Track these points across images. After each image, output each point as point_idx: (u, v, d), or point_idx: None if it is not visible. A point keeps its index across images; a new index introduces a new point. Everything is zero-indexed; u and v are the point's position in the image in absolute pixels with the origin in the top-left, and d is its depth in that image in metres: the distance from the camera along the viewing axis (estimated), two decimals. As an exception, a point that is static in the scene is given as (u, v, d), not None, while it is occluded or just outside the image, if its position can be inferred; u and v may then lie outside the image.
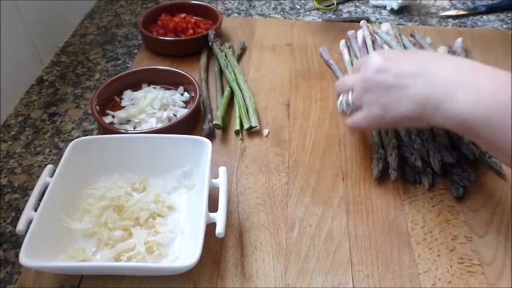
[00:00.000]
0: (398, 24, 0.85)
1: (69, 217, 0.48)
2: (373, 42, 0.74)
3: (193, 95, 0.67)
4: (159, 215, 0.50)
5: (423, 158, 0.55)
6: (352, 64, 0.73)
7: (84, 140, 0.53)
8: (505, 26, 0.88)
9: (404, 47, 0.74)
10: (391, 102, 0.48)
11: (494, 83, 0.42)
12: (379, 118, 0.50)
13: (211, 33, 0.76)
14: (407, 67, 0.48)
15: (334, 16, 0.91)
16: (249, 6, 0.96)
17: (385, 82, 0.48)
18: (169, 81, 0.69)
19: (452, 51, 0.76)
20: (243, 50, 0.79)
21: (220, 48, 0.75)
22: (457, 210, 0.52)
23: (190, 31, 0.78)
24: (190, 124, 0.63)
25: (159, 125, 0.61)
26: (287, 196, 0.54)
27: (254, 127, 0.62)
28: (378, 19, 0.90)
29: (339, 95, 0.56)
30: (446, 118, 0.44)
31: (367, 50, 0.74)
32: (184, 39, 0.77)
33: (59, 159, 0.51)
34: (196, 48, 0.77)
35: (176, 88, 0.69)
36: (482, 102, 0.41)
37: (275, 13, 0.93)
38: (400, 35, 0.77)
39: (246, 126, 0.62)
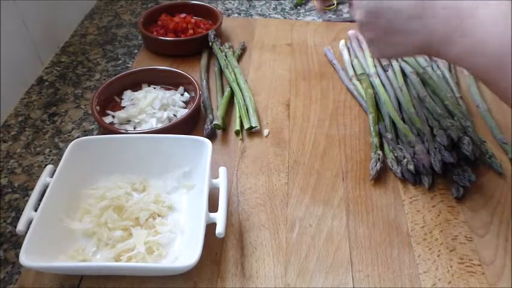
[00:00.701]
0: (398, 24, 0.85)
1: (69, 217, 0.48)
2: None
3: (193, 95, 0.67)
4: (159, 215, 0.50)
5: (419, 162, 0.55)
6: (352, 65, 0.73)
7: (84, 140, 0.53)
8: (505, 26, 0.88)
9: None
10: (389, 45, 0.48)
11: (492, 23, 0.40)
12: (385, 55, 0.52)
13: (211, 33, 0.76)
14: (398, 8, 0.45)
15: (334, 16, 0.91)
16: (249, 6, 0.96)
17: (379, 27, 0.46)
18: (170, 82, 0.69)
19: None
20: (243, 50, 0.79)
21: (220, 49, 0.75)
22: (457, 210, 0.52)
23: (191, 31, 0.78)
24: (190, 124, 0.63)
25: (159, 125, 0.61)
26: (287, 196, 0.54)
27: (254, 127, 0.62)
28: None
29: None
30: (448, 59, 0.46)
31: (363, 53, 0.74)
32: (184, 39, 0.77)
33: (59, 159, 0.51)
34: (196, 48, 0.77)
35: (176, 88, 0.69)
36: (478, 48, 0.41)
37: (275, 13, 0.93)
38: (400, 35, 0.77)
39: (246, 126, 0.62)
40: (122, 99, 0.67)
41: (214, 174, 0.51)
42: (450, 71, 0.71)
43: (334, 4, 0.92)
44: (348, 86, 0.70)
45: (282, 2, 0.96)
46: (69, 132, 0.65)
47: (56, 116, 0.68)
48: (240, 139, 0.62)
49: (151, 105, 0.64)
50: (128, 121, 0.64)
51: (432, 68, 0.70)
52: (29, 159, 0.61)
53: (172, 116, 0.64)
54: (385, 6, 0.45)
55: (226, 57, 0.74)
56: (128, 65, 0.78)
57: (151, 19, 0.82)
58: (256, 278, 0.46)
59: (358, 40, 0.77)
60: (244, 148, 0.61)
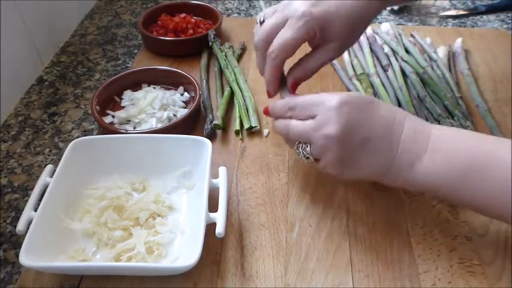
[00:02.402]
0: (398, 24, 0.85)
1: (69, 217, 0.48)
2: (371, 47, 0.75)
3: (193, 95, 0.67)
4: (159, 215, 0.50)
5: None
6: (352, 65, 0.73)
7: (84, 140, 0.53)
8: (505, 26, 0.88)
9: (405, 47, 0.74)
10: (353, 166, 0.45)
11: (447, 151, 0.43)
12: (337, 174, 0.47)
13: (211, 33, 0.76)
14: (372, 126, 0.44)
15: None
16: (249, 6, 0.96)
17: (350, 145, 0.44)
18: (169, 81, 0.69)
19: (452, 51, 0.76)
20: (243, 50, 0.79)
21: (220, 48, 0.75)
22: (457, 210, 0.52)
23: (190, 31, 0.78)
24: (190, 124, 0.63)
25: (159, 125, 0.61)
26: (287, 196, 0.54)
27: (254, 127, 0.62)
28: (377, 19, 0.90)
29: (292, 142, 0.49)
30: (405, 184, 0.46)
31: (363, 53, 0.74)
32: (184, 39, 0.77)
33: (59, 159, 0.51)
34: (196, 48, 0.77)
35: (176, 88, 0.69)
36: (434, 172, 0.43)
37: (275, 13, 0.92)
38: (400, 35, 0.77)
39: (246, 126, 0.62)
40: (121, 99, 0.67)
41: (214, 174, 0.51)
42: (450, 71, 0.71)
43: None
44: (348, 86, 0.70)
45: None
46: (69, 132, 0.65)
47: (56, 115, 0.68)
48: (240, 139, 0.62)
49: (151, 105, 0.64)
50: (128, 121, 0.64)
51: (432, 68, 0.70)
52: (28, 159, 0.61)
53: (172, 116, 0.64)
54: (364, 124, 0.44)
55: (226, 57, 0.74)
56: (128, 65, 0.78)
57: (151, 19, 0.82)
58: (256, 278, 0.46)
59: (357, 40, 0.77)
60: (244, 148, 0.61)
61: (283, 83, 0.54)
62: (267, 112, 0.52)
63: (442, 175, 0.43)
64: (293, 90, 0.53)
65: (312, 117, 0.45)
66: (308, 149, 0.46)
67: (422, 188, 0.45)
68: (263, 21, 0.52)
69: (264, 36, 0.50)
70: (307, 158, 0.47)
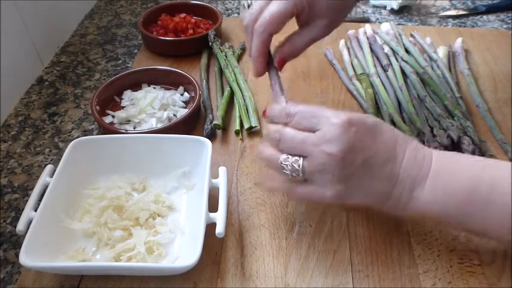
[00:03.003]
0: (398, 24, 0.85)
1: (69, 217, 0.48)
2: (371, 47, 0.75)
3: (193, 95, 0.67)
4: (159, 215, 0.50)
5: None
6: (352, 65, 0.73)
7: (84, 140, 0.53)
8: (505, 26, 0.88)
9: (405, 47, 0.74)
10: (352, 191, 0.42)
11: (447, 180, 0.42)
12: (329, 200, 0.43)
13: (211, 33, 0.76)
14: (376, 150, 0.42)
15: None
16: (249, 6, 0.96)
17: (351, 167, 0.41)
18: (169, 81, 0.69)
19: (452, 51, 0.76)
20: (243, 50, 0.79)
21: (220, 48, 0.75)
22: (457, 210, 0.52)
23: (190, 31, 0.78)
24: (190, 124, 0.63)
25: (159, 125, 0.61)
26: (287, 196, 0.54)
27: (254, 127, 0.62)
28: (377, 19, 0.90)
29: (278, 149, 0.44)
30: (405, 211, 0.44)
31: (363, 53, 0.74)
32: (184, 39, 0.77)
33: (59, 159, 0.51)
34: (196, 48, 0.77)
35: (176, 88, 0.69)
36: (435, 200, 0.42)
37: (275, 13, 0.92)
38: (400, 35, 0.77)
39: (246, 126, 0.62)
40: (121, 99, 0.67)
41: (214, 174, 0.51)
42: (450, 71, 0.71)
43: None
44: (348, 86, 0.70)
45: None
46: (69, 132, 0.65)
47: (55, 115, 0.68)
48: (240, 139, 0.62)
49: (151, 105, 0.64)
50: (128, 121, 0.64)
51: (432, 68, 0.70)
52: (28, 159, 0.61)
53: (172, 116, 0.64)
54: (368, 147, 0.41)
55: (226, 57, 0.74)
56: (128, 65, 0.78)
57: (151, 19, 0.82)
58: (256, 278, 0.46)
59: (358, 40, 0.77)
60: (244, 148, 0.61)
61: (271, 63, 0.51)
62: (266, 113, 0.49)
63: (442, 203, 0.41)
64: (280, 67, 0.51)
65: (312, 130, 0.42)
66: (300, 162, 0.42)
67: (423, 215, 0.44)
68: (250, 4, 0.51)
69: (253, 16, 0.48)
70: (294, 173, 0.42)
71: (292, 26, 0.51)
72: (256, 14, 0.48)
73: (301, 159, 0.42)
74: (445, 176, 0.42)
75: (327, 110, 0.42)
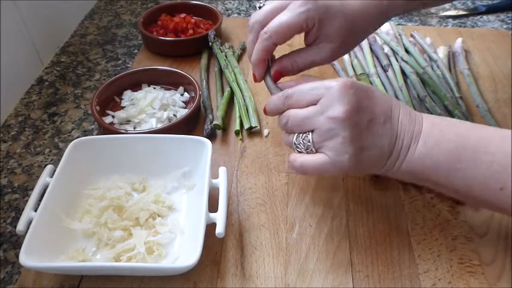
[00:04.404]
0: (398, 24, 0.85)
1: (69, 217, 0.48)
2: (371, 47, 0.75)
3: (193, 95, 0.67)
4: (159, 215, 0.50)
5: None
6: (352, 65, 0.73)
7: (84, 140, 0.53)
8: (505, 26, 0.88)
9: (405, 47, 0.74)
10: (362, 153, 0.43)
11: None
12: (347, 168, 0.43)
13: (211, 34, 0.76)
14: (375, 111, 0.43)
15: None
16: (249, 6, 0.96)
17: (358, 127, 0.42)
18: (170, 82, 0.69)
19: (452, 52, 0.76)
20: (243, 50, 0.79)
21: (220, 49, 0.75)
22: (457, 210, 0.52)
23: (190, 31, 0.78)
24: (190, 124, 0.63)
25: (159, 125, 0.61)
26: (287, 196, 0.54)
27: (254, 127, 0.62)
28: (377, 19, 0.90)
29: (290, 131, 0.46)
30: (403, 170, 0.45)
31: (363, 53, 0.74)
32: (184, 40, 0.77)
33: (59, 159, 0.51)
34: (196, 48, 0.77)
35: (176, 88, 0.69)
36: (428, 155, 0.43)
37: (275, 13, 0.92)
38: (400, 35, 0.77)
39: (246, 126, 0.62)
40: (121, 99, 0.67)
41: (214, 174, 0.51)
42: (450, 71, 0.71)
43: None
44: (348, 86, 0.70)
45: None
46: (69, 132, 0.65)
47: (56, 116, 0.68)
48: (240, 139, 0.62)
49: (151, 105, 0.64)
50: (128, 121, 0.64)
51: (432, 68, 0.70)
52: (28, 159, 0.61)
53: (172, 116, 0.64)
54: (368, 107, 0.43)
55: (226, 57, 0.74)
56: (128, 65, 0.78)
57: (151, 19, 0.82)
58: (256, 278, 0.46)
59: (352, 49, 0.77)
60: (244, 148, 0.61)
61: (269, 72, 0.51)
62: (266, 109, 0.50)
63: (434, 157, 0.43)
64: (275, 79, 0.50)
65: (314, 103, 0.43)
66: (309, 137, 0.43)
67: (421, 173, 0.44)
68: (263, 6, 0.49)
69: (261, 18, 0.47)
70: (308, 149, 0.44)
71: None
72: (266, 17, 0.47)
73: (310, 133, 0.43)
74: (437, 132, 0.43)
75: (321, 81, 0.44)
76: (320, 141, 0.43)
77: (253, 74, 0.51)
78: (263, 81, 0.51)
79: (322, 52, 0.49)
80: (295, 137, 0.45)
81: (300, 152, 0.45)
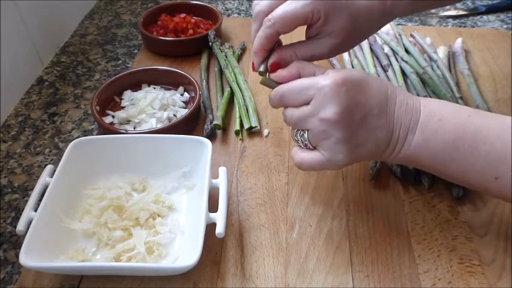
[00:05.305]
0: (398, 24, 0.85)
1: (69, 217, 0.48)
2: (371, 47, 0.75)
3: (193, 95, 0.67)
4: (159, 215, 0.50)
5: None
6: (352, 65, 0.73)
7: (84, 140, 0.53)
8: (505, 26, 0.88)
9: (405, 47, 0.74)
10: (357, 149, 0.44)
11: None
12: (343, 164, 0.44)
13: (211, 34, 0.76)
14: (369, 105, 0.43)
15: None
16: (249, 6, 0.96)
17: (351, 126, 0.42)
18: (170, 82, 0.69)
19: (452, 52, 0.76)
20: (243, 50, 0.79)
21: (220, 49, 0.75)
22: (457, 210, 0.52)
23: (190, 31, 0.78)
24: (190, 124, 0.63)
25: (159, 125, 0.61)
26: (287, 196, 0.54)
27: (254, 127, 0.62)
28: (377, 19, 0.90)
29: (289, 125, 0.47)
30: (401, 158, 0.45)
31: (363, 53, 0.74)
32: (184, 40, 0.77)
33: (59, 159, 0.51)
34: (196, 48, 0.77)
35: (176, 88, 0.69)
36: (426, 145, 0.43)
37: (275, 13, 0.92)
38: (400, 35, 0.77)
39: (246, 126, 0.62)
40: (121, 99, 0.67)
41: (214, 174, 0.51)
42: (450, 71, 0.71)
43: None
44: (348, 86, 0.70)
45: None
46: (69, 132, 0.65)
47: (56, 116, 0.68)
48: (240, 139, 0.62)
49: (151, 105, 0.64)
50: (128, 121, 0.64)
51: (432, 68, 0.70)
52: (28, 159, 0.61)
53: (172, 116, 0.64)
54: (360, 102, 0.42)
55: (226, 57, 0.74)
56: (128, 65, 0.78)
57: (151, 19, 0.82)
58: (256, 278, 0.46)
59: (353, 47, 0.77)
60: (244, 148, 0.61)
61: (266, 63, 0.49)
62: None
63: (431, 147, 0.43)
64: (271, 70, 0.48)
65: (307, 103, 0.43)
66: (305, 135, 0.44)
67: (417, 161, 0.45)
68: None
69: (267, 8, 0.46)
70: (307, 145, 0.45)
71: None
72: (271, 6, 0.46)
73: (306, 132, 0.44)
74: (434, 122, 0.43)
75: (313, 77, 0.44)
76: (315, 141, 0.44)
77: (252, 62, 0.50)
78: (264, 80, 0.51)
79: (322, 47, 0.49)
80: (294, 133, 0.46)
81: (301, 147, 0.46)
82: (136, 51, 0.81)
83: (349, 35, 0.49)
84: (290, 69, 0.46)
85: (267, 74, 0.49)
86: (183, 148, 0.53)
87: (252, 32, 0.49)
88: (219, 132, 0.63)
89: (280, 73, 0.47)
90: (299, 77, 0.46)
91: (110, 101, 0.67)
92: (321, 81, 0.42)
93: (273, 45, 0.48)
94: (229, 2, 0.97)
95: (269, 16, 0.46)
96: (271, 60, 0.49)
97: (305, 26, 0.48)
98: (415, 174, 0.55)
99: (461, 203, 0.53)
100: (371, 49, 0.74)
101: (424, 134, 0.43)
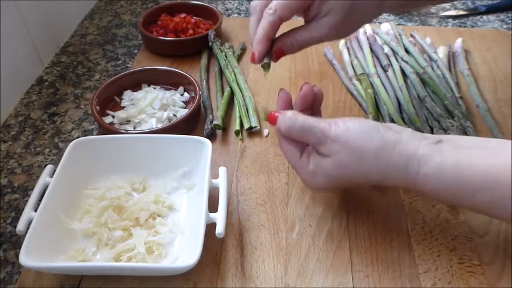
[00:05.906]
0: (398, 24, 0.85)
1: (69, 217, 0.48)
2: (371, 47, 0.75)
3: (193, 95, 0.67)
4: (159, 215, 0.50)
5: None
6: (352, 65, 0.73)
7: (84, 140, 0.53)
8: (505, 26, 0.88)
9: (405, 47, 0.74)
10: (344, 183, 0.46)
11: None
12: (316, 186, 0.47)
13: (211, 34, 0.76)
14: (362, 179, 0.45)
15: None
16: (249, 6, 0.95)
17: (340, 179, 0.45)
18: (170, 82, 0.69)
19: (452, 52, 0.76)
20: (243, 50, 0.79)
21: (220, 49, 0.75)
22: (457, 210, 0.52)
23: (190, 31, 0.78)
24: (190, 124, 0.63)
25: (159, 125, 0.61)
26: (287, 196, 0.54)
27: (254, 127, 0.62)
28: (378, 19, 0.90)
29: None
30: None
31: (363, 53, 0.74)
32: (184, 40, 0.77)
33: (59, 159, 0.51)
34: (196, 48, 0.77)
35: (176, 88, 0.69)
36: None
37: (275, 13, 0.92)
38: (400, 35, 0.77)
39: (246, 126, 0.62)
40: (121, 99, 0.67)
41: (214, 174, 0.51)
42: (450, 71, 0.71)
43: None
44: (347, 86, 0.70)
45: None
46: (69, 132, 0.65)
47: (56, 116, 0.68)
48: (240, 139, 0.62)
49: (151, 105, 0.64)
50: (128, 121, 0.64)
51: (432, 68, 0.70)
52: (28, 159, 0.61)
53: (172, 116, 0.64)
54: (355, 175, 0.44)
55: (226, 57, 0.74)
56: (128, 65, 0.78)
57: (151, 19, 0.82)
58: (256, 278, 0.46)
59: (358, 40, 0.77)
60: (244, 148, 0.61)
61: (270, 53, 0.50)
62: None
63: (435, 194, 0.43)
64: (276, 58, 0.49)
65: (305, 143, 0.47)
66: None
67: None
68: None
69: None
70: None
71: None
72: None
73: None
74: (430, 188, 0.42)
75: (324, 127, 0.44)
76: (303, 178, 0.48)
77: (253, 53, 0.49)
78: (264, 78, 0.51)
79: (321, 27, 0.48)
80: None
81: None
82: (136, 51, 0.81)
83: (347, 14, 0.47)
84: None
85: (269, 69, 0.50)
86: (183, 148, 0.53)
87: (251, 25, 0.49)
88: (219, 132, 0.63)
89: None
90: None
91: (110, 101, 0.67)
92: (329, 137, 0.43)
93: (275, 34, 0.49)
94: (229, 2, 0.97)
95: (269, 6, 0.46)
96: (275, 47, 0.49)
97: (301, 21, 0.49)
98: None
99: (461, 203, 0.53)
100: (371, 49, 0.74)
101: (423, 188, 0.42)
